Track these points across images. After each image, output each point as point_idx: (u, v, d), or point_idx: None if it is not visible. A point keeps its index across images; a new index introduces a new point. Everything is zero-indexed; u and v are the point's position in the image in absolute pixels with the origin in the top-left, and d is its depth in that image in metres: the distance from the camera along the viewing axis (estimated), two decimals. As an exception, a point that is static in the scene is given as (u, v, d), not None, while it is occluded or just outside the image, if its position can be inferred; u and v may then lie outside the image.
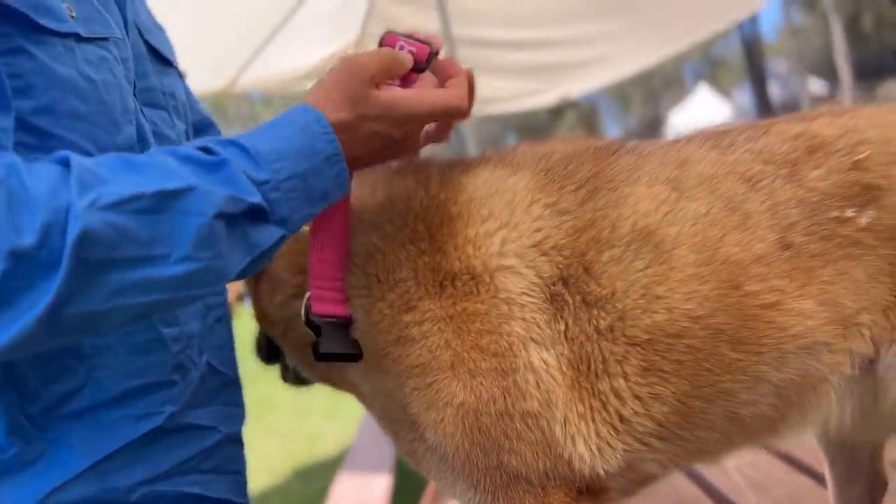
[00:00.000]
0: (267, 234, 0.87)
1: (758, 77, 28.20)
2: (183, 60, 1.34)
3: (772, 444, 1.23)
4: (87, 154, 0.91)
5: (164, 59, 1.19)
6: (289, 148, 0.89)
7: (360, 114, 0.96)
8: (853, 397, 1.18)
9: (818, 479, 2.11)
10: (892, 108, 1.23)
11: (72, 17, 0.92)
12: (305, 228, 1.09)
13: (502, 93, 7.20)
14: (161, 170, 0.81)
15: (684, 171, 1.13)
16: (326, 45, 6.09)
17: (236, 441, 1.15)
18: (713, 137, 1.21)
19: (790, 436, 1.20)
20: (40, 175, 0.74)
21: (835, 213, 1.10)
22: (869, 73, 24.03)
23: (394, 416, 1.14)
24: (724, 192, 1.11)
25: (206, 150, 0.86)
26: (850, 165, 1.12)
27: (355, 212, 1.15)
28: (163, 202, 0.78)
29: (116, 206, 0.75)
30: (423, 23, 5.80)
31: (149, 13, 1.25)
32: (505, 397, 1.03)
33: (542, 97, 7.83)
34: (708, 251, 1.07)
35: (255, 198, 0.84)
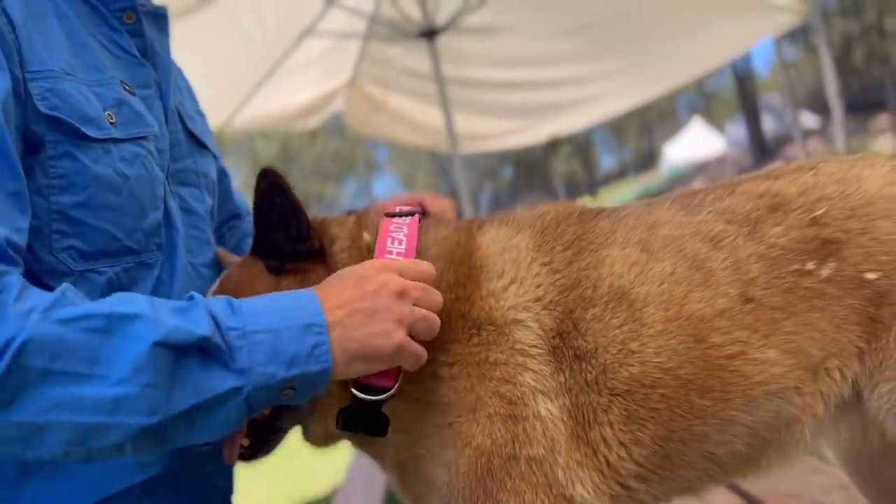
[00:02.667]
0: (218, 380, 0.85)
1: (751, 111, 28.58)
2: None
3: (756, 477, 1.28)
4: (116, 239, 1.01)
5: (200, 143, 1.31)
6: (271, 308, 0.92)
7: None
8: (839, 435, 1.25)
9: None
10: (855, 161, 1.28)
11: (111, 123, 1.03)
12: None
13: (492, 130, 7.29)
14: (125, 298, 0.86)
15: (653, 234, 1.21)
16: (320, 84, 6.20)
17: None
18: (683, 198, 1.29)
19: (774, 470, 1.26)
20: (28, 296, 0.81)
21: (795, 267, 1.16)
22: (860, 106, 24.37)
23: (405, 453, 1.18)
24: (688, 251, 1.19)
25: (190, 297, 0.91)
26: (809, 221, 1.18)
27: (420, 246, 1.21)
28: (111, 324, 0.82)
29: (69, 321, 0.80)
30: (415, 64, 5.90)
31: (194, 102, 1.38)
32: (514, 442, 1.10)
33: (532, 134, 7.93)
34: (674, 308, 1.15)
35: (205, 331, 0.84)
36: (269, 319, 0.90)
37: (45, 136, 0.95)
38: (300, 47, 5.42)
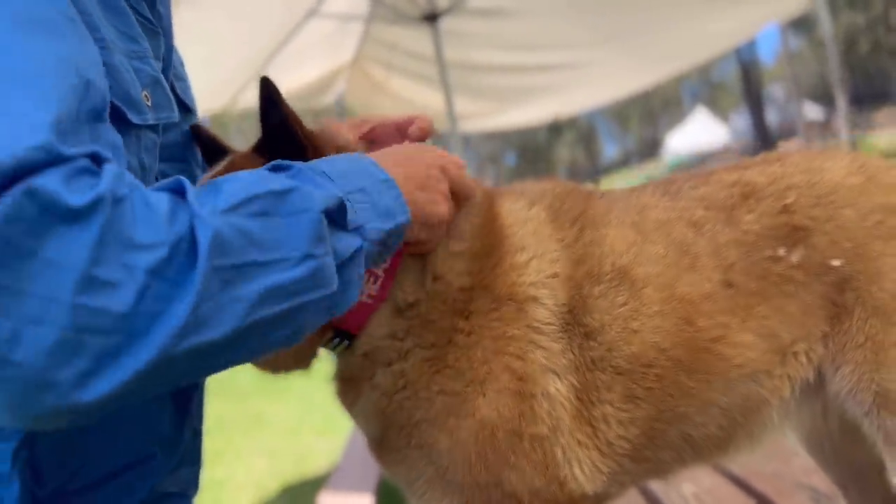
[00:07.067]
0: (346, 243, 0.80)
1: (755, 101, 28.42)
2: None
3: (723, 461, 1.34)
4: None
5: (187, 108, 1.18)
6: (346, 168, 0.88)
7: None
8: (802, 417, 1.29)
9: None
10: (819, 153, 1.33)
11: (148, 106, 0.90)
12: None
13: (493, 111, 7.30)
14: (256, 177, 0.76)
15: (643, 217, 1.24)
16: (323, 64, 6.20)
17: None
18: (663, 185, 1.32)
19: (742, 453, 1.29)
20: (159, 196, 0.69)
21: (768, 253, 1.20)
22: (865, 98, 24.24)
23: (395, 415, 1.15)
24: (676, 236, 1.21)
25: (276, 167, 0.83)
26: (780, 209, 1.22)
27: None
28: (274, 203, 0.73)
29: (236, 208, 0.70)
30: (417, 46, 5.90)
31: (181, 61, 1.20)
32: (520, 419, 1.10)
33: (533, 116, 7.95)
34: (668, 290, 1.17)
35: (340, 192, 0.81)
36: (356, 179, 0.87)
37: None
38: (303, 28, 5.42)
